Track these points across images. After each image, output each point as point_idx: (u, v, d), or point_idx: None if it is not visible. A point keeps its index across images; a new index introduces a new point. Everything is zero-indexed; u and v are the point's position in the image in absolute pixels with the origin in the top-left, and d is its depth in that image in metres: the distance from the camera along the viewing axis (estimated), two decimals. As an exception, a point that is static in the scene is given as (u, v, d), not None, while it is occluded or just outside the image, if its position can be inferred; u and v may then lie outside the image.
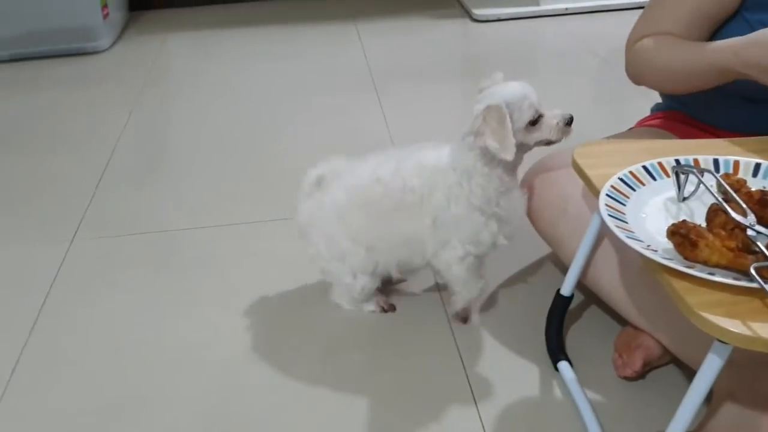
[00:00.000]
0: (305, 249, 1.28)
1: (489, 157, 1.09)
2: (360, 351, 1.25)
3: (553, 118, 1.11)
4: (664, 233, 0.81)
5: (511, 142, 1.05)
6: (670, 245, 0.80)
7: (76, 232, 1.62)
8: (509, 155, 1.05)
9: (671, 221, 0.82)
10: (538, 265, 1.44)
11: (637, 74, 1.23)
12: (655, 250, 0.79)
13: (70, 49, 2.70)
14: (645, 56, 1.20)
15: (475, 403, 1.12)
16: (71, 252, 1.55)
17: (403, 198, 1.16)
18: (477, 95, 1.12)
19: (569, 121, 1.12)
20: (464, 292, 1.24)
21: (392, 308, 1.33)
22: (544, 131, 1.11)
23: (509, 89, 1.09)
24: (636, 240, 0.81)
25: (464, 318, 1.29)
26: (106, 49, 2.76)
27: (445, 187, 1.14)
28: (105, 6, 2.73)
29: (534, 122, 1.10)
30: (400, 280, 1.39)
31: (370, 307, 1.32)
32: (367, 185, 1.19)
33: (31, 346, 1.29)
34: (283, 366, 1.22)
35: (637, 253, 0.79)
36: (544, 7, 2.88)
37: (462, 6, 3.05)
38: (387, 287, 1.35)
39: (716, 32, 1.17)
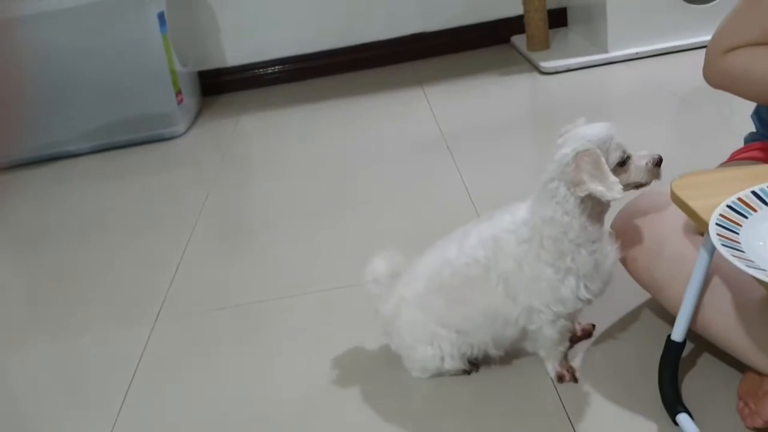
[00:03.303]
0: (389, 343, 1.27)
1: (573, 205, 1.03)
2: (458, 416, 1.17)
3: (641, 158, 1.05)
4: (789, 260, 0.73)
5: (615, 180, 0.99)
6: (797, 273, 0.72)
7: (160, 310, 1.62)
8: (617, 194, 0.99)
9: (793, 247, 0.74)
10: (637, 312, 1.35)
11: (723, 83, 1.15)
12: (783, 278, 0.71)
13: (149, 136, 2.79)
14: (740, 68, 1.11)
15: (588, 466, 1.03)
16: (156, 330, 1.55)
17: (468, 272, 1.13)
18: (557, 140, 1.07)
19: (658, 162, 1.06)
20: (550, 355, 1.19)
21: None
22: (632, 173, 1.05)
23: (594, 130, 1.04)
24: (758, 269, 0.74)
25: (560, 376, 1.20)
26: (183, 134, 2.84)
27: (511, 249, 1.09)
28: (179, 92, 2.82)
29: (622, 164, 1.04)
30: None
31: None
32: (437, 269, 1.17)
33: (119, 425, 1.27)
34: (376, 435, 1.16)
35: (762, 283, 0.71)
36: (613, 54, 2.81)
37: (529, 61, 3.02)
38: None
39: None
